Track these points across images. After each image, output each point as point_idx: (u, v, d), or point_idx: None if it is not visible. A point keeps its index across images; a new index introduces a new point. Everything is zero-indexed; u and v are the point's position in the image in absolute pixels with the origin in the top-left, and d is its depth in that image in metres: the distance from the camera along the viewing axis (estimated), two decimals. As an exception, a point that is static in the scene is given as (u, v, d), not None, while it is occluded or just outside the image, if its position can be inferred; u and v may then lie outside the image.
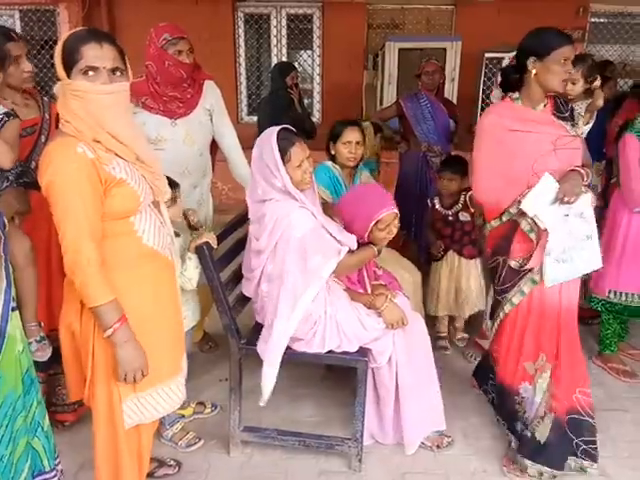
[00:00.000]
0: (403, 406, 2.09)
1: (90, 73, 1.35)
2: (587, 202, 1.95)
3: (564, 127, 1.94)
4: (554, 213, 1.91)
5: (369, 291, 2.20)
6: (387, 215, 2.01)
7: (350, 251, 1.95)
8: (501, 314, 2.10)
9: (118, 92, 1.41)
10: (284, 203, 1.88)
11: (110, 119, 1.40)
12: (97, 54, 1.36)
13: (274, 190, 1.88)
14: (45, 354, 1.86)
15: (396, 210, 2.04)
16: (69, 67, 1.36)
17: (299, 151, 1.89)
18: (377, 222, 2.00)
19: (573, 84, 2.43)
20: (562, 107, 1.98)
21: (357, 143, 2.54)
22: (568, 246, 1.92)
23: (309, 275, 1.87)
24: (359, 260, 2.07)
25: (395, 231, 2.07)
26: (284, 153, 1.86)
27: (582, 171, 1.91)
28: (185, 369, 1.72)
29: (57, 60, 1.37)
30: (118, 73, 1.40)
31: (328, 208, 2.09)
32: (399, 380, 2.07)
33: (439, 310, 3.00)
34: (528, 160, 1.92)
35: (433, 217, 3.00)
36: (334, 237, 1.93)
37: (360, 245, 2.03)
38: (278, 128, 1.92)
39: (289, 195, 1.88)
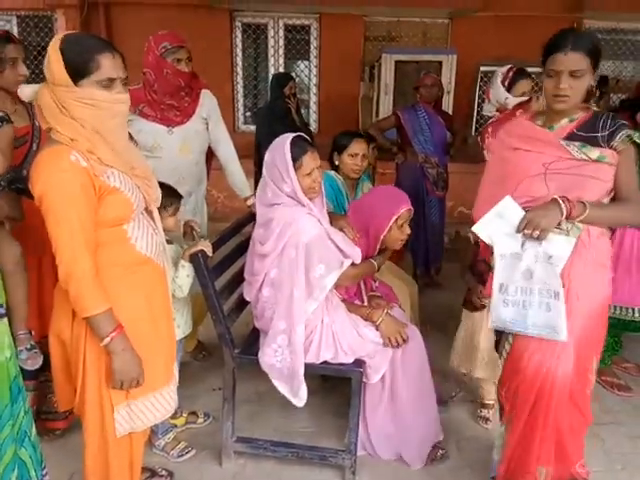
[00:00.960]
0: (403, 421, 2.09)
1: (106, 83, 1.35)
2: (562, 247, 1.56)
3: (566, 149, 1.61)
4: (513, 245, 1.61)
5: (365, 303, 2.20)
6: (406, 211, 2.08)
7: (352, 264, 1.96)
8: (504, 352, 1.83)
9: (129, 100, 1.43)
10: (292, 209, 1.89)
11: (115, 127, 1.41)
12: (113, 64, 1.36)
13: (283, 194, 1.90)
14: (36, 363, 1.83)
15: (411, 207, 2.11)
16: (78, 75, 1.33)
17: (310, 160, 1.91)
18: (396, 219, 2.05)
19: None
20: (600, 124, 1.60)
21: (363, 155, 2.56)
22: (522, 288, 1.61)
23: (312, 283, 1.87)
24: (360, 274, 2.09)
25: (409, 231, 2.12)
26: (296, 160, 1.88)
27: (563, 204, 1.54)
28: (177, 377, 1.71)
29: (57, 66, 1.32)
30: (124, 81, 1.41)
31: (334, 219, 2.10)
32: (397, 395, 2.07)
33: (481, 371, 2.38)
34: (515, 182, 1.67)
35: (475, 256, 2.26)
36: (339, 248, 1.93)
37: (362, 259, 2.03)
38: (293, 135, 1.93)
39: (297, 201, 1.90)
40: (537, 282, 1.59)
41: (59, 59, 1.32)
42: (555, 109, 1.64)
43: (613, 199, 1.65)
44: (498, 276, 1.64)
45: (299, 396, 1.93)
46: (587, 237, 1.61)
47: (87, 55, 1.33)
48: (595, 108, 1.70)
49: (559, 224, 1.57)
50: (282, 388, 1.96)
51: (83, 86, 1.34)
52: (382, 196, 2.18)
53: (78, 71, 1.33)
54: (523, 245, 1.60)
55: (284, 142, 1.90)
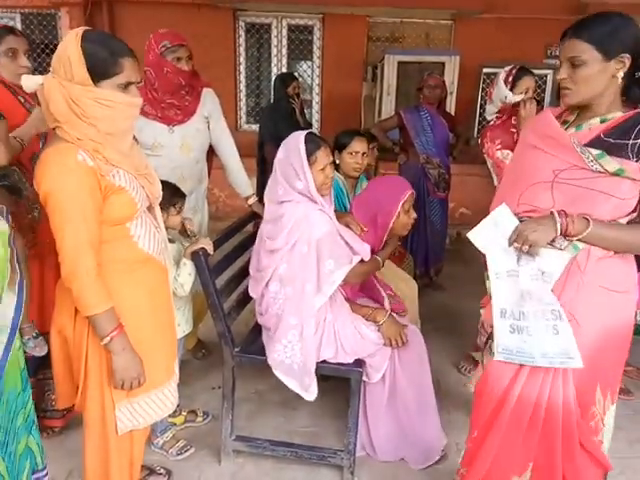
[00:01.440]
0: (404, 421, 2.10)
1: (125, 86, 1.36)
2: (554, 262, 1.42)
3: (579, 156, 1.39)
4: (509, 261, 1.47)
5: (387, 303, 2.22)
6: (410, 195, 2.14)
7: (361, 261, 1.97)
8: (485, 359, 1.72)
9: (141, 103, 1.44)
10: (304, 205, 1.90)
11: (126, 129, 1.42)
12: (134, 68, 1.37)
13: (295, 192, 1.90)
14: (43, 350, 1.86)
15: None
16: (100, 76, 1.32)
17: (324, 155, 1.93)
18: (403, 203, 2.10)
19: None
20: (635, 130, 1.35)
21: (363, 154, 2.57)
22: (524, 311, 1.45)
23: (321, 278, 1.88)
24: (367, 271, 2.09)
25: (415, 214, 2.18)
26: (310, 155, 1.89)
27: (559, 219, 1.38)
28: (177, 374, 1.71)
29: (78, 64, 1.30)
30: None
31: (338, 216, 2.11)
32: (398, 395, 2.08)
33: None
34: (524, 185, 1.50)
35: None
36: (348, 245, 1.95)
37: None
38: (305, 132, 1.95)
39: (309, 198, 1.91)
40: (538, 303, 1.43)
41: (80, 57, 1.30)
42: (564, 104, 1.47)
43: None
44: (497, 299, 1.49)
45: (310, 391, 1.94)
46: (585, 259, 1.42)
47: (111, 58, 1.33)
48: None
49: (553, 241, 1.42)
50: (291, 384, 1.95)
51: (103, 87, 1.33)
52: (384, 185, 2.23)
53: (101, 72, 1.32)
54: (519, 261, 1.46)
55: (298, 138, 1.91)
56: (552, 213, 1.41)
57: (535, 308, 1.43)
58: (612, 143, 1.37)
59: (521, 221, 1.47)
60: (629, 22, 1.38)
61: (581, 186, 1.40)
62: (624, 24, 1.38)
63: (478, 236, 1.53)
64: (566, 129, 1.48)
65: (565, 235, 1.40)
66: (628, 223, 1.44)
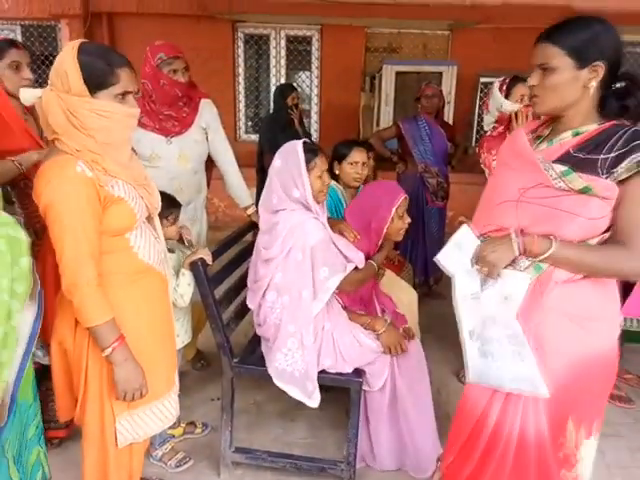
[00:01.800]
0: (405, 429, 2.09)
1: (122, 97, 1.37)
2: (516, 284, 1.34)
3: (544, 174, 1.30)
4: (472, 284, 1.41)
5: (378, 312, 2.21)
6: (404, 199, 2.14)
7: (355, 269, 1.98)
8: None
9: (139, 114, 1.45)
10: (298, 212, 1.91)
11: (124, 139, 1.43)
12: (131, 78, 1.38)
13: (289, 200, 1.91)
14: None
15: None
16: (97, 86, 1.33)
17: (321, 162, 1.95)
18: (397, 208, 2.11)
19: None
20: (609, 143, 1.25)
21: (363, 163, 2.58)
22: (489, 337, 1.38)
23: (317, 286, 1.88)
24: (363, 278, 2.09)
25: (409, 219, 2.17)
26: (309, 162, 1.90)
27: (517, 239, 1.31)
28: (177, 384, 1.70)
29: (75, 75, 1.31)
30: None
31: (332, 223, 2.12)
32: (398, 403, 2.07)
33: None
34: (494, 204, 1.43)
35: None
36: (342, 252, 1.95)
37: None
38: (301, 140, 1.97)
39: (304, 206, 1.92)
40: (503, 328, 1.35)
41: (77, 69, 1.31)
42: (534, 114, 1.40)
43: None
44: (465, 321, 1.42)
45: (313, 397, 1.94)
46: (546, 282, 1.32)
47: (108, 68, 1.34)
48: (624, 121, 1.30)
49: (514, 261, 1.33)
50: (293, 392, 1.95)
51: (99, 98, 1.34)
52: (377, 191, 2.23)
53: (97, 83, 1.33)
54: (483, 284, 1.38)
55: (296, 146, 1.93)
56: (509, 236, 1.33)
57: (500, 334, 1.36)
58: (582, 159, 1.27)
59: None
60: (610, 29, 1.30)
61: (545, 205, 1.31)
62: (605, 31, 1.29)
63: (445, 259, 1.46)
64: (539, 144, 1.41)
65: (527, 255, 1.32)
66: (602, 244, 1.32)
